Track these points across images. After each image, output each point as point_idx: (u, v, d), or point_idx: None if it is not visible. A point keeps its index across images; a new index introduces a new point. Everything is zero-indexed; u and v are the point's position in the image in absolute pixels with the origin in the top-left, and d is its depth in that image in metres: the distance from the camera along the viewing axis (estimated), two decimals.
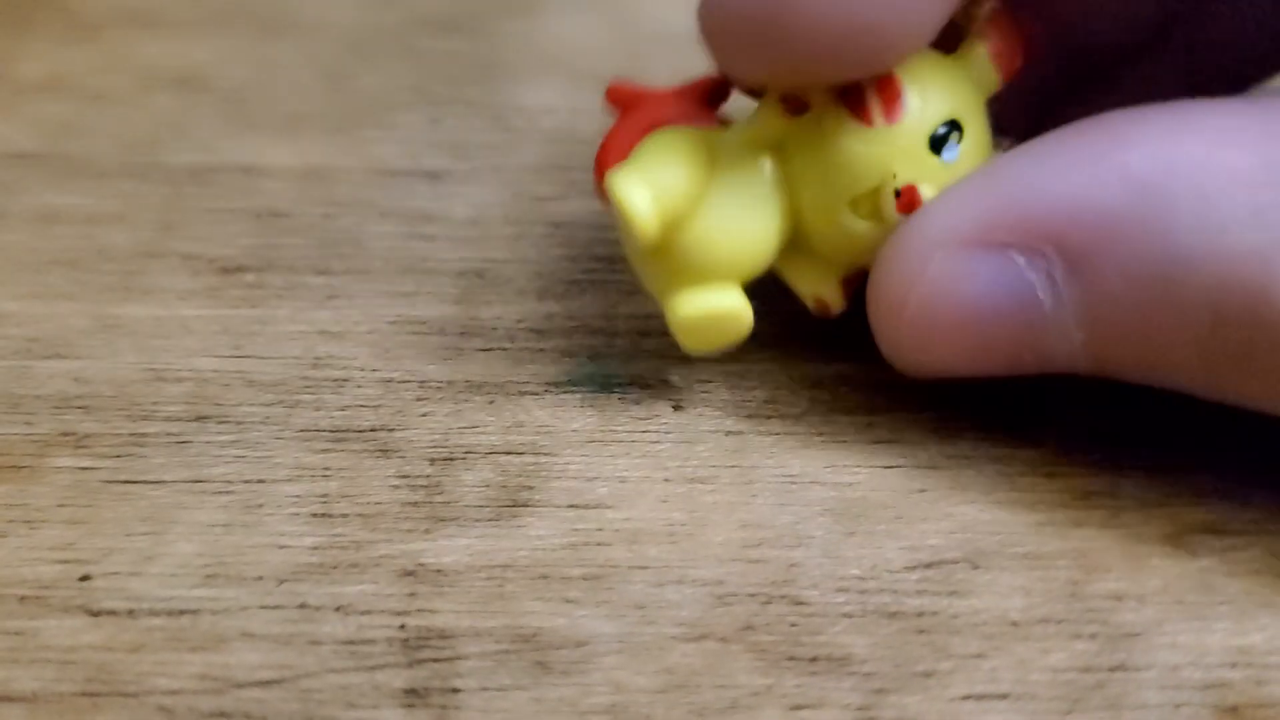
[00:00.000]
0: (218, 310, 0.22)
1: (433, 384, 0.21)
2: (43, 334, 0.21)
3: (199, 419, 0.20)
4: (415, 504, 0.19)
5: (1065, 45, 0.21)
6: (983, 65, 0.19)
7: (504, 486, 0.19)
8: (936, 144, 0.18)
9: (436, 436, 0.20)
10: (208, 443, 0.20)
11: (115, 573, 0.18)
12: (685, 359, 0.20)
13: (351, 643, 0.17)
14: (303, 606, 0.17)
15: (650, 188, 0.18)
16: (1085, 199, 0.17)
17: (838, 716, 0.16)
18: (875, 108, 0.18)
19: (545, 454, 0.19)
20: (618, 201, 0.18)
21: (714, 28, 0.18)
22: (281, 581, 0.18)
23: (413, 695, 0.16)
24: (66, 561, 0.18)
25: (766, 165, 0.19)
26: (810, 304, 0.20)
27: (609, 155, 0.19)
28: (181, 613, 0.17)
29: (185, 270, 0.23)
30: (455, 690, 0.16)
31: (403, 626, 0.17)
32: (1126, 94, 0.19)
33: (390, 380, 0.21)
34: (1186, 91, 0.18)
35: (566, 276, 0.23)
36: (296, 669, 0.17)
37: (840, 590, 0.18)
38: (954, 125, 0.18)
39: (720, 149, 0.19)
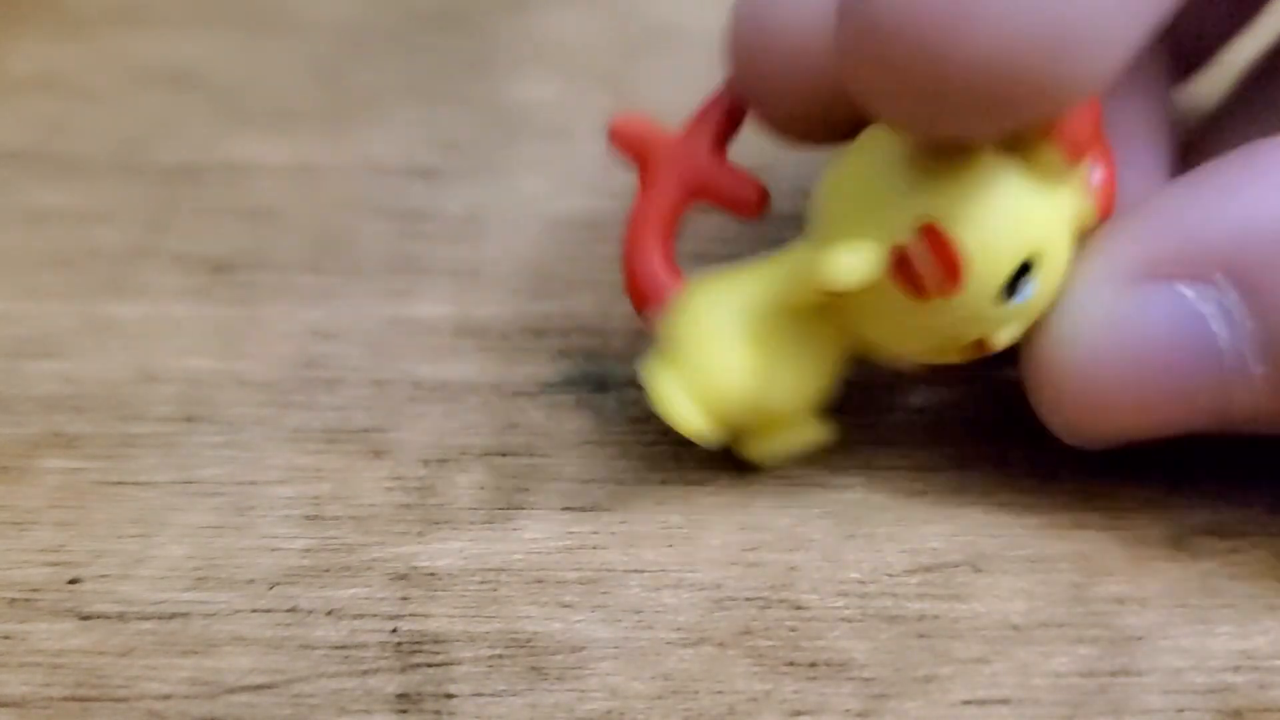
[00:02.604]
0: (209, 310, 0.22)
1: (426, 384, 0.20)
2: (32, 334, 0.21)
3: (190, 419, 0.20)
4: (408, 506, 0.19)
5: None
6: (1078, 192, 0.17)
7: (498, 489, 0.19)
8: (1009, 292, 0.16)
9: (430, 438, 0.20)
10: (199, 444, 0.19)
11: (105, 575, 0.18)
12: None
13: (344, 647, 0.17)
14: (294, 610, 0.17)
15: (694, 395, 0.18)
16: (1254, 218, 0.16)
17: None
18: (929, 277, 0.16)
19: (540, 455, 0.19)
20: (664, 414, 0.18)
21: (870, 53, 0.15)
22: (273, 585, 0.18)
23: (406, 700, 0.16)
24: (56, 564, 0.18)
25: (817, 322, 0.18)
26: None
27: (639, 247, 0.19)
28: (172, 616, 0.17)
29: (176, 269, 0.23)
30: (449, 695, 0.16)
31: (395, 630, 0.17)
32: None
33: (383, 381, 0.20)
34: None
35: (562, 275, 0.22)
36: (288, 673, 0.17)
37: (840, 594, 0.17)
38: (1025, 268, 0.16)
39: (759, 293, 0.18)
